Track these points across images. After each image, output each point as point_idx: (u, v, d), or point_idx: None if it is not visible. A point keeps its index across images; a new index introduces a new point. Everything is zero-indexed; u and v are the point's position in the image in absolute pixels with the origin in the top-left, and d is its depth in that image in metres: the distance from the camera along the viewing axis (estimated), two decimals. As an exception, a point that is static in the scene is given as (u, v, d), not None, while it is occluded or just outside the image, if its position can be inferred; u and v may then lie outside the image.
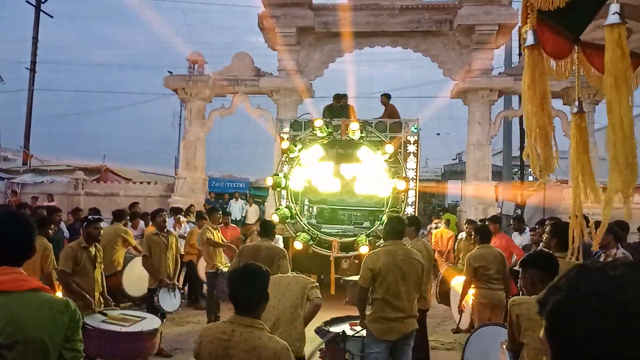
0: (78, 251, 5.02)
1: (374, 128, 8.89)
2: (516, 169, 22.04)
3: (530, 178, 20.16)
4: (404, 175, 8.45)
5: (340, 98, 10.19)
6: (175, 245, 6.70)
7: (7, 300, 1.89)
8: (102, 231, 5.44)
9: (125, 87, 36.29)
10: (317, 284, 4.25)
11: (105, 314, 4.82)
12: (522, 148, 16.76)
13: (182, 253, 8.08)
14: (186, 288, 8.84)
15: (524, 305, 3.08)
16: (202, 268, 8.28)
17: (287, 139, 8.91)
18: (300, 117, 10.20)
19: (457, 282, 6.74)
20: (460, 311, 6.19)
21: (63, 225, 9.38)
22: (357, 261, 7.96)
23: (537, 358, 2.91)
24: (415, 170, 8.99)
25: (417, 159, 9.04)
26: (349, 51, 15.12)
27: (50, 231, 6.15)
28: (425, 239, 8.05)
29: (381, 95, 10.90)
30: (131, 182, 17.12)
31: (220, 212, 8.62)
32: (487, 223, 7.68)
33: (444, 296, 7.35)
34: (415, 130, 9.08)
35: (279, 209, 8.79)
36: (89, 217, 5.46)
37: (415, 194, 9.00)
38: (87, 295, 4.89)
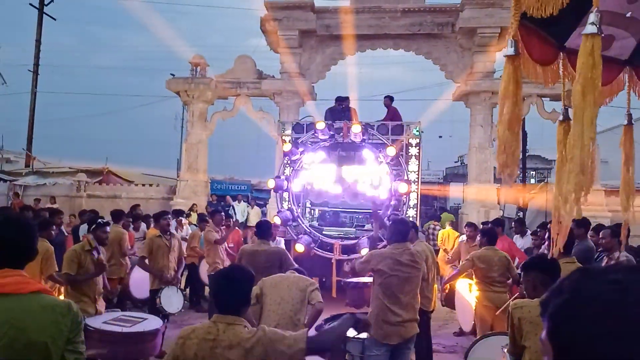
0: (82, 254, 5.02)
1: (376, 130, 8.89)
2: (518, 172, 22.01)
3: (533, 181, 20.13)
4: (405, 177, 8.45)
5: (342, 100, 10.18)
6: (179, 247, 6.70)
7: (8, 303, 1.87)
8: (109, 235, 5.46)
9: (127, 89, 36.42)
10: (318, 286, 4.23)
11: None
12: (524, 151, 16.74)
13: (185, 255, 8.08)
14: (188, 290, 8.84)
15: (526, 309, 3.07)
16: (204, 270, 8.28)
17: (289, 141, 8.92)
18: (302, 120, 10.21)
19: (462, 284, 6.73)
20: (444, 290, 6.64)
21: (63, 228, 9.40)
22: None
23: (539, 361, 2.91)
24: (417, 172, 9.00)
25: (419, 162, 9.05)
26: (351, 54, 15.15)
27: (52, 232, 6.15)
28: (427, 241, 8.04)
29: (384, 98, 10.92)
30: (133, 185, 17.14)
31: (223, 214, 8.62)
32: (489, 226, 7.66)
33: (449, 299, 7.33)
34: (417, 133, 9.09)
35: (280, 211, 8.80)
36: (99, 220, 5.48)
37: (417, 196, 9.00)
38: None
